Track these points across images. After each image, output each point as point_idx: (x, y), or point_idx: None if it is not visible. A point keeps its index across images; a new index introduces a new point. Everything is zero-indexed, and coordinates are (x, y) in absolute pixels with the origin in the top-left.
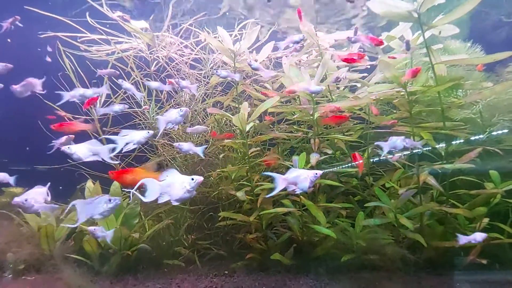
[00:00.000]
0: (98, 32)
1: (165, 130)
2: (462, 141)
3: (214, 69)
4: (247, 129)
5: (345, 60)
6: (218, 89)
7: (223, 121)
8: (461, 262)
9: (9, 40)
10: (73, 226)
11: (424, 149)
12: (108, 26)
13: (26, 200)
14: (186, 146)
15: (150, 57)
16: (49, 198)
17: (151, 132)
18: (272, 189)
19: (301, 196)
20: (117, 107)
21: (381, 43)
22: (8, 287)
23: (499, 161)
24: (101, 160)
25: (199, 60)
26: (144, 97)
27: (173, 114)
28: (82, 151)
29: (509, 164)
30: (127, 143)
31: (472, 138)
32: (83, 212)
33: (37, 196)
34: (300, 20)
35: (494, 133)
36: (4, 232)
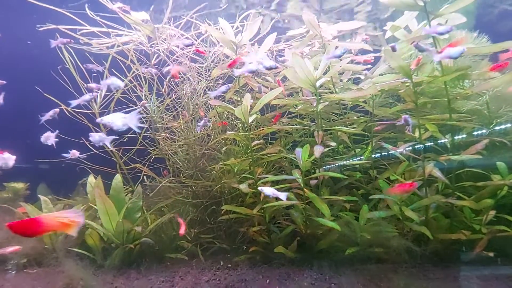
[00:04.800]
0: (97, 24)
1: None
2: (467, 134)
3: (215, 62)
4: (250, 121)
5: None
6: (220, 82)
7: (225, 114)
8: (467, 254)
9: None
10: None
11: (427, 144)
12: (100, 17)
13: None
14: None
15: (151, 50)
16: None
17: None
18: (276, 182)
19: (304, 189)
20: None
21: None
22: (10, 280)
23: (506, 153)
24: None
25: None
26: (144, 91)
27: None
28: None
29: None
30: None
31: (478, 130)
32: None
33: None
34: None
35: (498, 127)
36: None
